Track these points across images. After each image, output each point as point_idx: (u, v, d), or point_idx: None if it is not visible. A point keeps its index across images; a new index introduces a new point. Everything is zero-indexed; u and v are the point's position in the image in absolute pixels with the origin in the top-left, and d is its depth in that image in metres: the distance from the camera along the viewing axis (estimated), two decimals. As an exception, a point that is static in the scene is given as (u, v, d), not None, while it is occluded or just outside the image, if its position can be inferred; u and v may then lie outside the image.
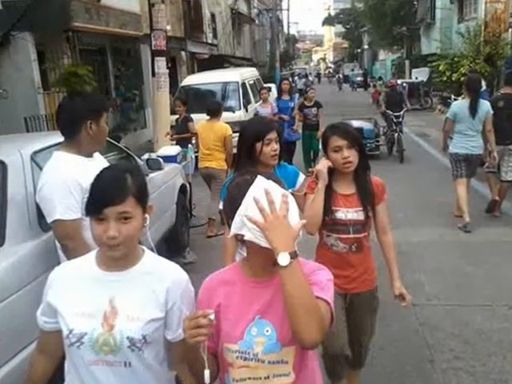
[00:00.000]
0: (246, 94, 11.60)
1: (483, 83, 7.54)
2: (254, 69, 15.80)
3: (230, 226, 1.47)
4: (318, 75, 57.33)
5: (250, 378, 1.51)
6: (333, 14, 65.59)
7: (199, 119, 6.96)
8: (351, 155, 2.46)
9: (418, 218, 6.49)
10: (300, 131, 9.27)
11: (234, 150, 2.92)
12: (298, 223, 1.42)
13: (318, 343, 1.45)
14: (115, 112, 13.18)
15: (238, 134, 2.83)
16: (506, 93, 6.36)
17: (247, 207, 1.40)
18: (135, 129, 14.37)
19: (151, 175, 4.45)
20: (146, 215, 1.59)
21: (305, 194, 2.62)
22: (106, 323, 1.54)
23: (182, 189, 5.67)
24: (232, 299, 1.55)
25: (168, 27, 9.88)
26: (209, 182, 6.34)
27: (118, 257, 1.54)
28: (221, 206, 1.99)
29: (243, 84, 11.63)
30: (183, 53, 18.61)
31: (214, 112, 6.27)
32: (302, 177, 2.85)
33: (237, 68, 18.52)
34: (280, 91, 9.81)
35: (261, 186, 1.42)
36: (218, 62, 21.09)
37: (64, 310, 1.57)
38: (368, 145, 10.02)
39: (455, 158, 6.03)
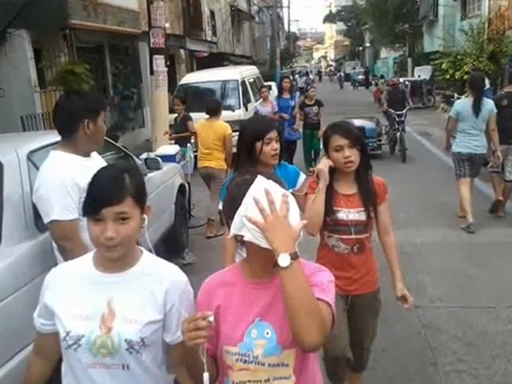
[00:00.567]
0: (245, 92, 11.58)
1: (487, 81, 7.48)
2: (253, 67, 15.78)
3: (229, 227, 1.46)
4: (319, 73, 57.42)
5: (249, 381, 1.50)
6: (334, 11, 65.69)
7: (198, 118, 6.90)
8: (353, 155, 2.44)
9: (420, 218, 6.46)
10: (301, 130, 9.25)
11: (234, 150, 2.88)
12: (298, 224, 1.41)
13: (319, 346, 1.44)
14: (113, 111, 13.11)
15: (237, 133, 2.80)
16: (510, 91, 6.34)
17: (247, 207, 1.39)
18: (133, 128, 14.31)
19: (149, 175, 4.42)
20: (145, 216, 1.59)
21: (305, 194, 2.60)
22: (103, 325, 1.53)
23: (181, 189, 5.65)
24: (232, 301, 1.54)
25: (167, 25, 9.88)
26: (208, 181, 6.31)
27: (115, 258, 1.53)
28: (220, 207, 1.99)
29: (243, 82, 11.60)
30: (182, 51, 18.57)
31: (214, 111, 6.23)
32: (302, 177, 2.83)
33: (236, 66, 18.39)
34: (280, 90, 9.76)
35: (261, 186, 1.40)
36: (217, 59, 21.09)
37: (61, 311, 1.56)
38: (370, 144, 9.97)
39: (458, 158, 5.99)
